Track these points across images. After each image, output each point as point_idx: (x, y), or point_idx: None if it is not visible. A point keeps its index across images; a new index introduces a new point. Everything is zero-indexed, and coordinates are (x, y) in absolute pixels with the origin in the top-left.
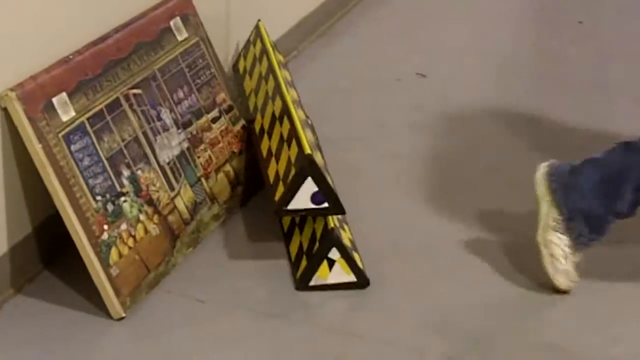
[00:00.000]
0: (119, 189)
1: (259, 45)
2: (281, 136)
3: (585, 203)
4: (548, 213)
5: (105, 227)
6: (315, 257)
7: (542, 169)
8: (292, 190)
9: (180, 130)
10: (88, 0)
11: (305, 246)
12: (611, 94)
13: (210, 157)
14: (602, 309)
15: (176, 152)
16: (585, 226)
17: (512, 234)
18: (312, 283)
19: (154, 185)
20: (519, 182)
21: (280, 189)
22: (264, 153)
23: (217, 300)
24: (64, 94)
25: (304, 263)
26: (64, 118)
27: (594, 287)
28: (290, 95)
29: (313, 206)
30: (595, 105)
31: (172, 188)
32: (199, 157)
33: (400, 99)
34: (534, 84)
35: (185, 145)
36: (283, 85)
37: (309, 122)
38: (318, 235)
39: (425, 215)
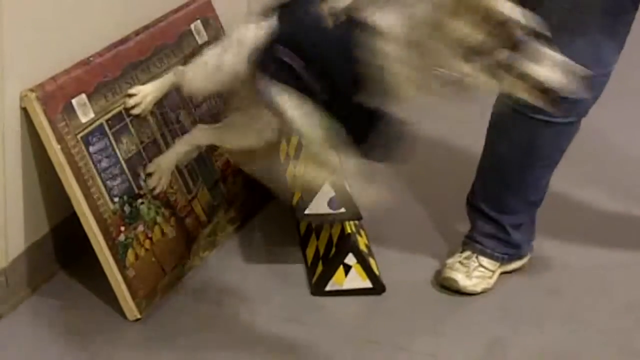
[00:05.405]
0: (136, 191)
1: None
2: (299, 141)
3: None
4: None
5: (122, 228)
6: (331, 262)
7: None
8: (309, 195)
9: None
10: (109, 2)
11: (321, 251)
12: None
13: (228, 160)
14: None
15: (194, 155)
16: None
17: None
18: (328, 288)
19: (172, 187)
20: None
21: (298, 193)
22: (282, 157)
23: (233, 304)
24: (83, 96)
25: (320, 268)
26: (83, 119)
27: None
28: None
29: (330, 211)
30: None
31: (189, 191)
32: (216, 161)
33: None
34: None
35: (203, 148)
36: None
37: None
38: (335, 241)
39: (443, 222)
